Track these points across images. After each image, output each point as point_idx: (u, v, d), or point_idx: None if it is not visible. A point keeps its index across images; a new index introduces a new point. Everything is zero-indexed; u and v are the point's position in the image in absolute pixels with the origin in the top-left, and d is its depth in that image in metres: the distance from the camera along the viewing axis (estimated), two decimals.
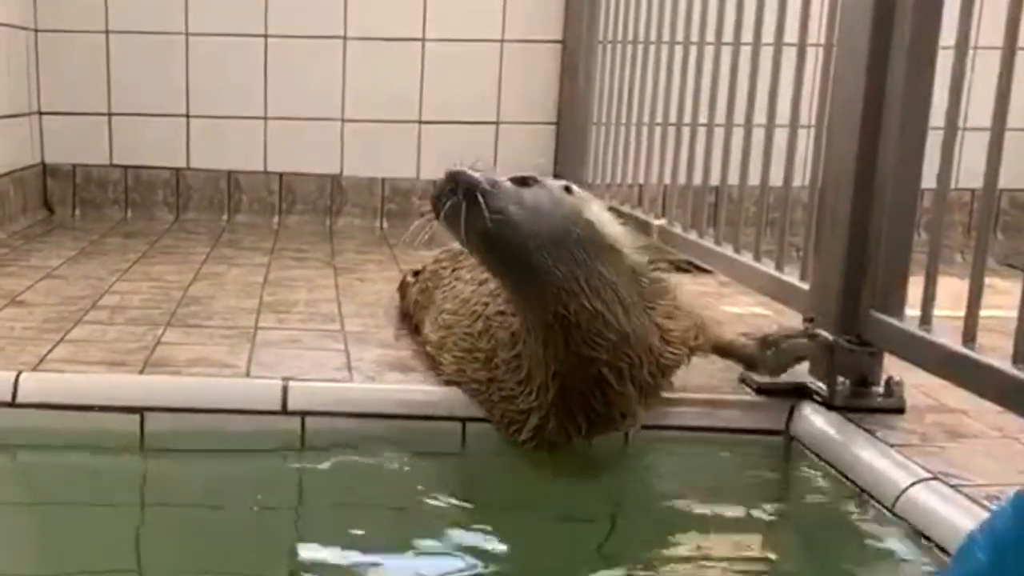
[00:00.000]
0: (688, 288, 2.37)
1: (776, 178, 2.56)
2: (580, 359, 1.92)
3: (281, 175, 4.70)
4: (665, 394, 2.11)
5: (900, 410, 2.15)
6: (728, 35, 2.90)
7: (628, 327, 1.94)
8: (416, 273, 2.73)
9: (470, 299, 2.24)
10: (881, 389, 2.16)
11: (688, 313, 2.11)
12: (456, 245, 2.55)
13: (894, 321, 2.08)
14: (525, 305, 1.97)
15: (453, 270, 2.45)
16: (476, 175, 1.92)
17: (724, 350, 2.25)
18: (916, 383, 2.17)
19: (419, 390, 2.23)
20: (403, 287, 2.81)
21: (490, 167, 1.98)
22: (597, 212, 1.98)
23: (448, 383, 2.19)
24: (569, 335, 1.91)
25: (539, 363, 1.96)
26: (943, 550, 1.65)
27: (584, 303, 1.89)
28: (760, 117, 2.65)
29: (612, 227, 1.98)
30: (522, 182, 1.95)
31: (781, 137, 2.54)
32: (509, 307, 2.08)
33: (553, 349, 1.92)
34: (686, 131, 3.18)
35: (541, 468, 2.03)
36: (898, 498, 1.79)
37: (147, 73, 4.57)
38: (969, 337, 1.86)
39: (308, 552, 1.70)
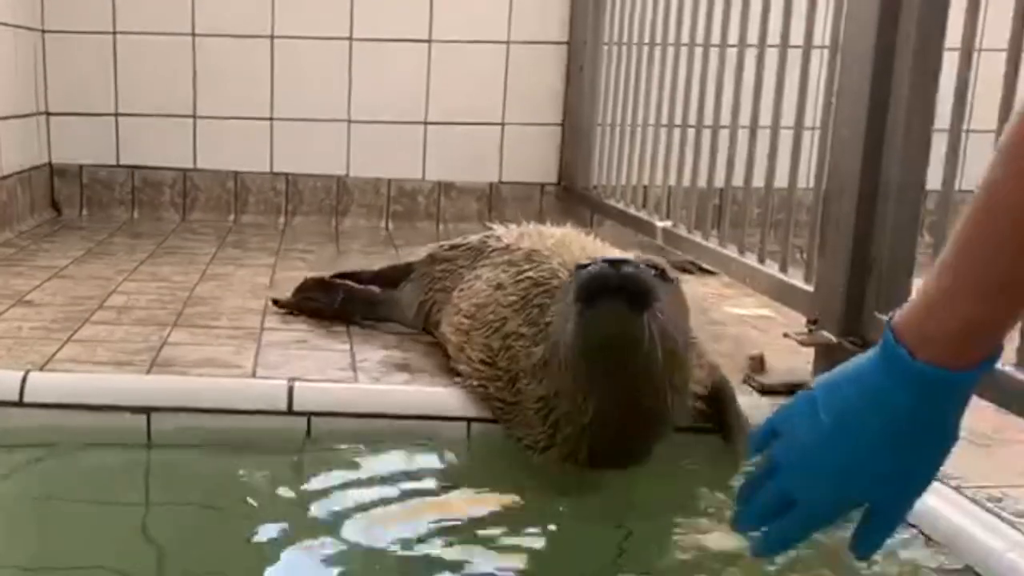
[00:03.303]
0: (697, 291, 2.36)
1: (781, 180, 2.56)
2: (627, 427, 1.90)
3: (287, 176, 4.71)
4: None
5: None
6: (733, 37, 2.90)
7: (679, 402, 1.93)
8: (409, 266, 2.74)
9: (486, 305, 2.21)
10: None
11: (713, 367, 2.10)
12: (469, 239, 2.55)
13: None
14: (592, 396, 1.86)
15: (472, 267, 2.42)
16: (645, 278, 1.77)
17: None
18: None
19: (424, 390, 2.23)
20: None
21: (641, 259, 1.85)
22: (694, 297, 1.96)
23: (468, 391, 2.17)
24: (630, 418, 1.88)
25: (575, 424, 1.90)
26: (943, 552, 1.65)
27: (661, 396, 1.86)
28: (765, 119, 2.66)
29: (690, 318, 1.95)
30: (661, 274, 1.86)
31: (786, 139, 2.54)
32: (530, 330, 2.04)
33: (602, 422, 1.87)
34: (691, 133, 3.19)
35: (547, 469, 2.03)
36: None
37: (154, 74, 4.59)
38: None
39: (311, 552, 1.70)
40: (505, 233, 2.46)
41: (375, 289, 2.84)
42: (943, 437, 1.09)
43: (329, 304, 2.81)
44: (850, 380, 1.12)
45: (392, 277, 2.84)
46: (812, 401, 1.14)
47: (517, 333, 2.07)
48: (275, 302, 2.92)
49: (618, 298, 1.74)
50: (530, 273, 2.16)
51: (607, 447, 1.92)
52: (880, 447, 1.08)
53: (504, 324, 2.12)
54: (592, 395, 1.87)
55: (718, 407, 2.09)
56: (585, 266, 1.83)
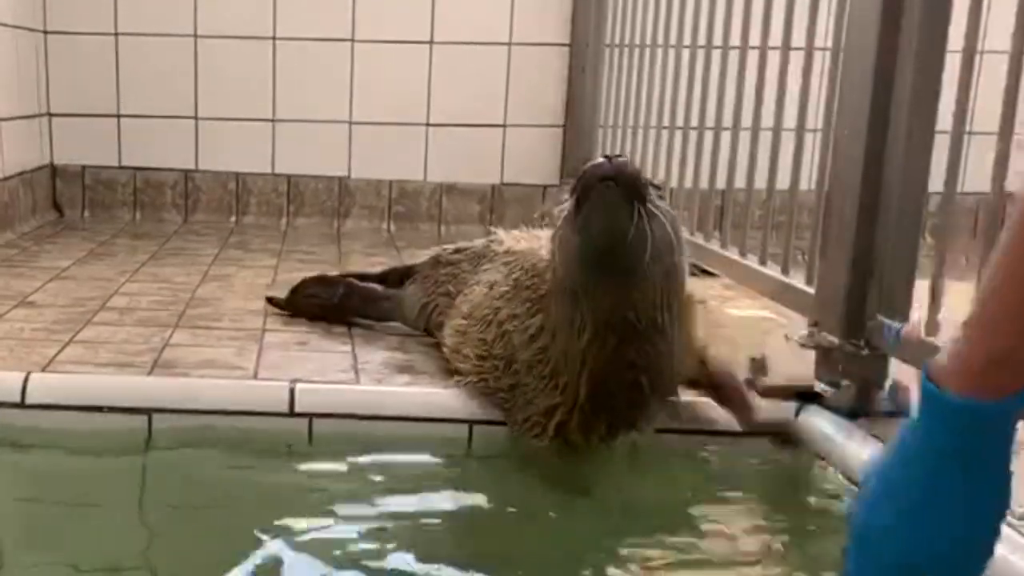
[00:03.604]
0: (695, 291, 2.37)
1: (782, 182, 2.56)
2: (623, 364, 1.94)
3: (289, 177, 4.71)
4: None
5: (905, 414, 2.14)
6: (735, 39, 2.90)
7: (675, 343, 1.98)
8: (412, 268, 2.74)
9: (481, 304, 2.24)
10: (886, 393, 2.17)
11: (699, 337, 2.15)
12: (474, 243, 2.56)
13: (899, 325, 2.08)
14: (589, 300, 1.92)
15: (475, 271, 2.44)
16: (640, 173, 1.89)
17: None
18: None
19: (426, 392, 2.23)
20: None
21: (633, 163, 1.94)
22: (684, 234, 2.03)
23: (468, 390, 2.18)
24: (625, 339, 1.92)
25: (572, 360, 1.95)
26: None
27: (655, 315, 1.92)
28: (767, 121, 2.66)
29: (686, 248, 2.02)
30: (657, 188, 1.94)
31: (788, 141, 2.54)
32: (523, 308, 2.08)
33: (598, 348, 1.92)
34: (693, 134, 3.19)
35: (547, 470, 2.03)
36: None
37: (156, 75, 4.59)
38: None
39: (313, 554, 1.70)
40: (507, 237, 2.48)
41: (377, 287, 2.84)
42: (991, 486, 1.08)
43: (329, 298, 2.80)
44: (893, 442, 1.13)
45: (395, 278, 2.83)
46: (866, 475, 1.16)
47: (511, 316, 2.10)
48: (270, 300, 2.90)
49: (611, 186, 1.82)
50: (520, 265, 2.20)
51: (607, 383, 1.95)
52: (925, 502, 1.07)
53: (497, 314, 2.15)
54: (589, 307, 1.90)
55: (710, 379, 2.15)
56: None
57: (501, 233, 2.55)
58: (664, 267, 1.92)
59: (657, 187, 1.95)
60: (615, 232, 1.84)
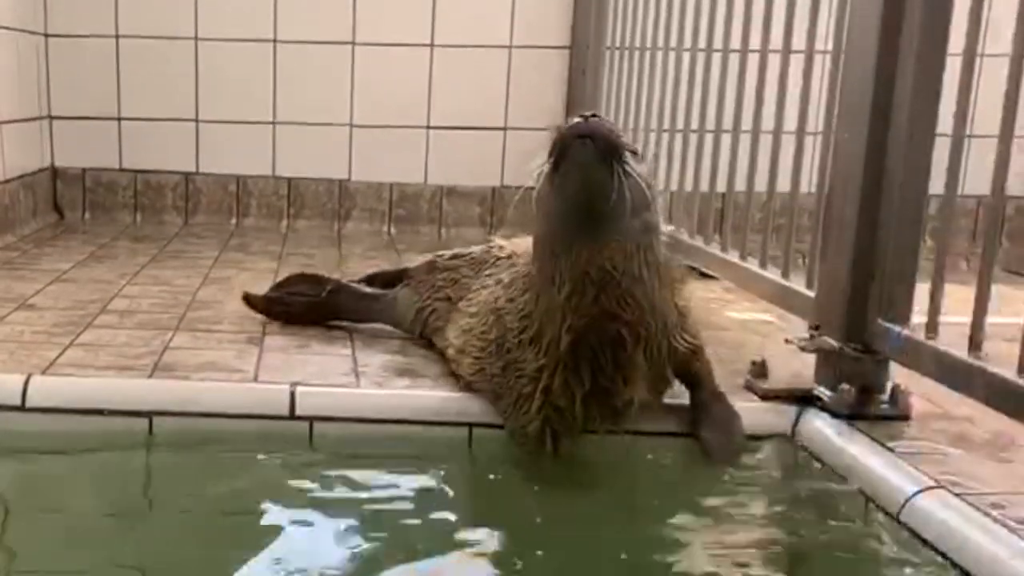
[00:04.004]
0: (696, 294, 2.37)
1: (783, 185, 2.56)
2: (604, 315, 1.96)
3: (290, 180, 4.71)
4: (666, 401, 2.15)
5: (905, 418, 2.15)
6: (736, 42, 2.90)
7: (656, 298, 1.99)
8: (405, 272, 2.73)
9: (486, 300, 2.26)
10: (886, 397, 2.17)
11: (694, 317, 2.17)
12: (471, 249, 2.55)
13: (900, 329, 2.08)
14: (568, 254, 1.94)
15: (477, 276, 2.44)
16: (615, 133, 1.93)
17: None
18: (922, 391, 2.17)
19: (426, 395, 2.23)
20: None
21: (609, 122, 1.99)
22: (658, 198, 2.08)
23: (468, 387, 2.20)
24: (604, 290, 1.94)
25: (553, 316, 1.98)
26: (947, 559, 1.65)
27: (632, 265, 1.94)
28: (768, 123, 2.66)
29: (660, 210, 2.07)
30: (634, 154, 1.98)
31: (788, 144, 2.54)
32: (519, 292, 2.09)
33: (578, 300, 1.95)
34: (693, 137, 3.19)
35: (547, 472, 2.03)
36: (903, 506, 1.79)
37: (157, 77, 4.59)
38: (975, 345, 1.86)
39: (312, 556, 1.70)
40: (508, 244, 2.48)
41: (366, 288, 2.81)
42: None
43: (316, 295, 2.77)
44: None
45: (381, 282, 2.81)
46: None
47: (508, 300, 2.13)
48: (247, 299, 2.83)
49: (587, 143, 1.87)
50: (524, 260, 2.20)
51: (588, 335, 1.96)
52: None
53: (496, 302, 2.17)
54: (567, 261, 1.93)
55: (695, 362, 2.14)
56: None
57: (500, 240, 2.56)
58: (641, 222, 1.95)
59: (633, 151, 1.98)
60: (593, 187, 1.88)
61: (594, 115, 1.94)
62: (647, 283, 1.97)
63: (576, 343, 1.97)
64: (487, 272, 2.40)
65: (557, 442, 2.04)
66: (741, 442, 2.10)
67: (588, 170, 1.88)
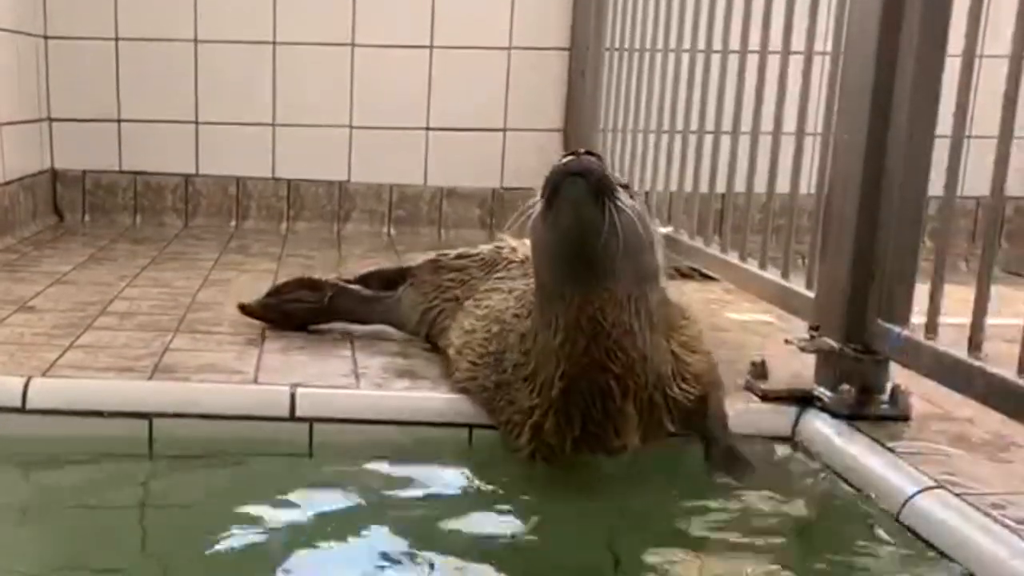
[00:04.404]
0: (695, 296, 2.37)
1: (782, 186, 2.56)
2: (593, 365, 1.93)
3: (289, 181, 4.72)
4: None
5: (905, 418, 2.15)
6: (735, 42, 2.90)
7: (647, 350, 1.96)
8: (405, 271, 2.70)
9: (496, 306, 2.24)
10: (886, 397, 2.17)
11: (707, 353, 2.11)
12: (480, 249, 2.54)
13: (900, 329, 2.08)
14: (562, 300, 1.93)
15: (486, 278, 2.42)
16: (607, 171, 1.91)
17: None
18: (921, 391, 2.17)
19: (426, 396, 2.23)
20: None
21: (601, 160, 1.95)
22: (658, 235, 2.04)
23: (460, 390, 2.19)
24: (594, 340, 1.92)
25: (549, 359, 1.96)
26: (948, 558, 1.65)
27: (623, 317, 1.91)
28: (767, 124, 2.66)
29: (661, 252, 2.02)
30: (625, 188, 1.95)
31: (788, 145, 2.54)
32: (524, 308, 2.08)
33: (570, 348, 1.93)
34: (692, 138, 3.19)
35: (548, 474, 2.03)
36: (903, 506, 1.79)
37: (156, 80, 4.60)
38: (975, 346, 1.86)
39: (313, 558, 1.70)
40: (520, 245, 2.45)
41: (366, 290, 2.77)
42: None
43: (318, 301, 2.72)
44: None
45: (378, 282, 2.77)
46: None
47: (514, 316, 2.11)
48: (242, 308, 2.77)
49: (578, 181, 1.85)
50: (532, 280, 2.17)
51: (578, 384, 1.94)
52: None
53: (504, 312, 2.16)
54: (561, 306, 1.92)
55: (703, 411, 2.07)
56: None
57: (510, 239, 2.54)
58: (635, 267, 1.92)
59: (626, 186, 1.96)
60: (584, 226, 1.86)
61: (587, 152, 1.92)
62: (638, 335, 1.93)
63: (567, 390, 1.95)
64: (498, 274, 2.39)
65: (549, 463, 2.03)
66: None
67: (579, 207, 1.85)
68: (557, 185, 1.87)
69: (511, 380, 2.05)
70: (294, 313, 2.75)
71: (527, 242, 2.46)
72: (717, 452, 2.06)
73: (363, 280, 2.81)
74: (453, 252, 2.61)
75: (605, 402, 1.96)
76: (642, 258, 1.94)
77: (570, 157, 1.89)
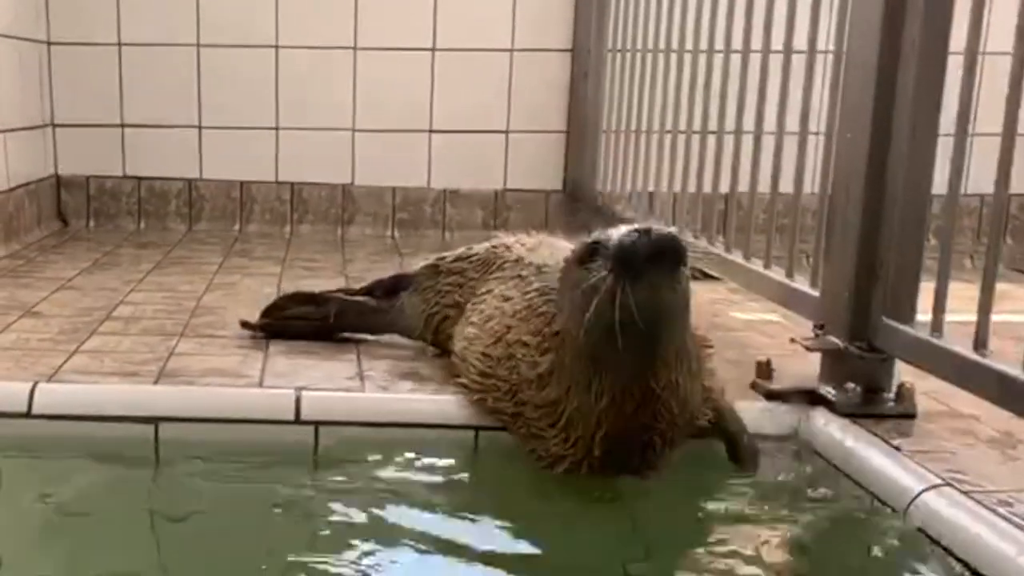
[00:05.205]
0: (700, 297, 2.36)
1: (786, 185, 2.56)
2: (638, 426, 1.92)
3: (292, 185, 4.72)
4: None
5: (911, 416, 2.15)
6: (737, 42, 2.90)
7: (689, 397, 1.96)
8: (405, 277, 2.68)
9: (492, 316, 2.20)
10: (892, 395, 2.17)
11: (712, 371, 2.11)
12: (475, 249, 2.52)
13: (905, 327, 2.08)
14: (612, 366, 1.87)
15: (484, 279, 2.39)
16: (682, 244, 1.82)
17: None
18: (927, 389, 2.17)
19: (431, 399, 2.23)
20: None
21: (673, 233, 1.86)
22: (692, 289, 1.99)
23: (474, 402, 2.16)
24: (643, 405, 1.90)
25: (587, 419, 1.92)
26: (955, 556, 1.65)
27: (672, 378, 1.90)
28: (770, 124, 2.66)
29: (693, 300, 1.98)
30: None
31: (791, 144, 2.54)
32: (534, 338, 2.03)
33: (615, 412, 1.89)
34: (696, 138, 3.19)
35: (555, 476, 2.03)
36: (910, 504, 1.79)
37: (159, 85, 4.60)
38: (980, 343, 1.86)
39: (319, 561, 1.70)
40: (515, 243, 2.44)
41: (368, 300, 2.73)
42: None
43: (323, 318, 2.68)
44: None
45: (382, 290, 2.73)
46: None
47: (521, 342, 2.06)
48: (245, 325, 2.72)
49: (659, 264, 1.77)
50: (536, 284, 2.15)
51: (621, 444, 1.92)
52: None
53: (508, 332, 2.11)
54: (610, 375, 1.87)
55: (722, 428, 2.08)
56: (595, 242, 1.84)
57: (504, 237, 2.53)
58: (683, 325, 1.91)
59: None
60: (661, 310, 1.81)
61: (657, 228, 1.82)
62: (681, 387, 1.92)
63: (608, 450, 1.93)
64: (494, 275, 2.37)
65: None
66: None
67: (658, 292, 1.79)
68: (631, 263, 1.77)
69: (533, 417, 2.01)
70: (301, 332, 2.69)
71: (524, 239, 2.45)
72: (743, 449, 2.07)
73: (367, 291, 2.78)
74: (451, 255, 2.58)
75: (646, 453, 1.95)
76: (688, 314, 1.91)
77: (636, 233, 1.79)
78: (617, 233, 1.83)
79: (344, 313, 2.71)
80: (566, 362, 1.94)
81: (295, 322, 2.71)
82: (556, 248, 2.34)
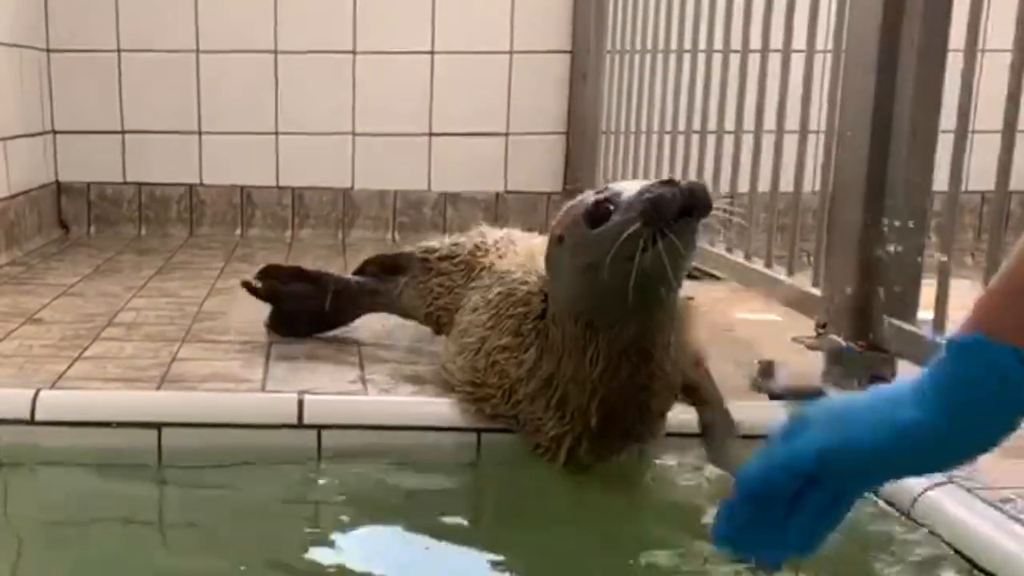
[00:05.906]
0: (703, 296, 2.36)
1: (786, 184, 2.56)
2: (636, 387, 1.91)
3: (293, 189, 4.72)
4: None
5: None
6: (736, 42, 2.91)
7: (678, 359, 1.96)
8: (401, 257, 2.66)
9: (467, 329, 2.19)
10: None
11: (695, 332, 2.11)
12: (458, 251, 2.52)
13: (907, 325, 2.08)
14: (609, 329, 1.85)
15: (467, 286, 2.38)
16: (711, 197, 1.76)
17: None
18: None
19: (434, 402, 2.23)
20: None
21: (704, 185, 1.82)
22: None
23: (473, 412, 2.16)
24: (638, 368, 1.89)
25: (582, 386, 1.91)
26: (960, 554, 1.65)
27: (667, 338, 1.90)
28: (770, 123, 2.66)
29: None
30: None
31: (791, 143, 2.54)
32: (513, 339, 2.02)
33: (610, 376, 1.89)
34: (695, 139, 3.19)
35: (557, 479, 2.03)
36: (914, 502, 1.78)
37: (159, 91, 4.61)
38: None
39: (323, 566, 1.70)
40: (492, 246, 2.41)
41: (370, 280, 2.70)
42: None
43: (320, 303, 2.66)
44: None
45: (373, 269, 2.71)
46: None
47: (499, 347, 2.05)
48: (244, 284, 2.72)
49: (690, 216, 1.71)
50: (498, 289, 2.14)
51: (617, 410, 1.92)
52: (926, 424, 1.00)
53: (484, 343, 2.10)
54: (606, 337, 1.86)
55: (698, 397, 2.06)
56: (605, 200, 1.78)
57: (486, 231, 2.51)
58: (679, 285, 1.89)
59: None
60: (682, 265, 1.79)
61: (688, 181, 1.77)
62: (672, 346, 1.92)
63: (606, 416, 1.92)
64: (472, 284, 2.34)
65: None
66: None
67: (689, 250, 1.75)
68: (664, 213, 1.69)
69: (532, 410, 2.01)
70: (298, 316, 2.71)
71: (498, 238, 2.42)
72: (716, 418, 2.03)
73: (359, 271, 2.76)
74: (438, 251, 2.54)
75: (643, 415, 1.95)
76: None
77: (670, 186, 1.72)
78: (634, 186, 1.76)
79: (340, 297, 2.69)
80: (556, 338, 1.93)
81: (295, 301, 2.70)
82: (515, 243, 2.35)
